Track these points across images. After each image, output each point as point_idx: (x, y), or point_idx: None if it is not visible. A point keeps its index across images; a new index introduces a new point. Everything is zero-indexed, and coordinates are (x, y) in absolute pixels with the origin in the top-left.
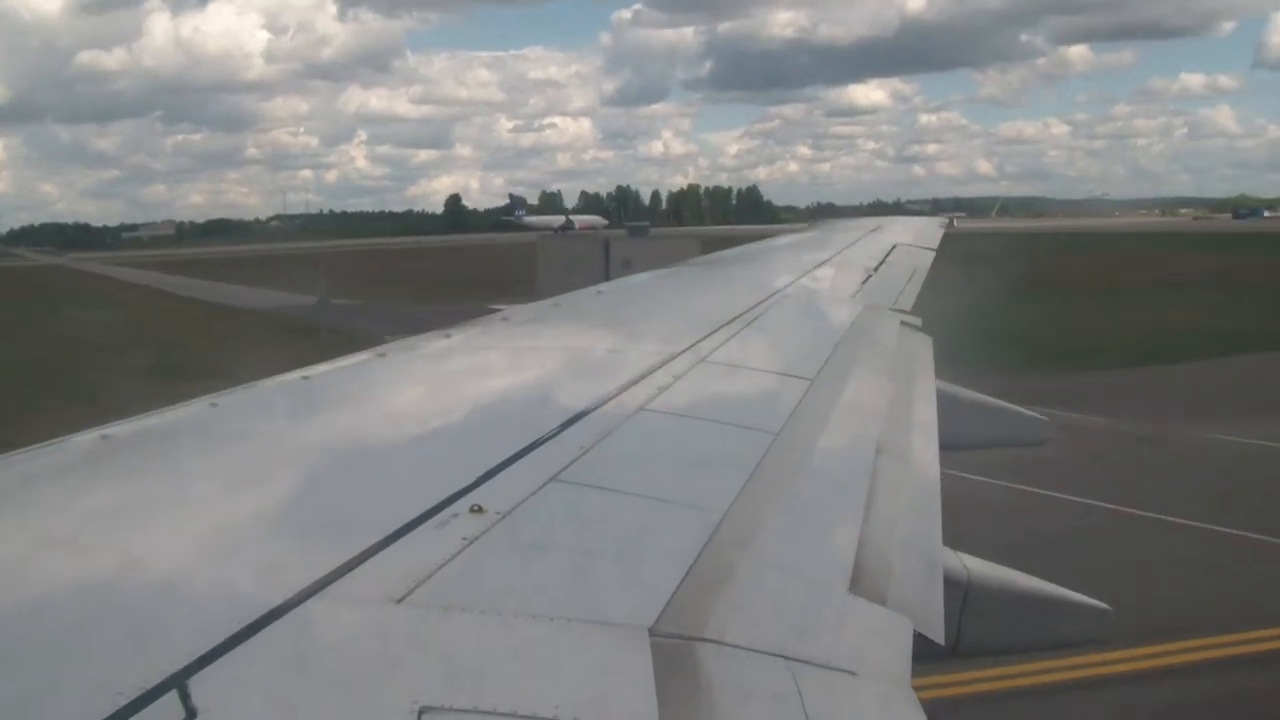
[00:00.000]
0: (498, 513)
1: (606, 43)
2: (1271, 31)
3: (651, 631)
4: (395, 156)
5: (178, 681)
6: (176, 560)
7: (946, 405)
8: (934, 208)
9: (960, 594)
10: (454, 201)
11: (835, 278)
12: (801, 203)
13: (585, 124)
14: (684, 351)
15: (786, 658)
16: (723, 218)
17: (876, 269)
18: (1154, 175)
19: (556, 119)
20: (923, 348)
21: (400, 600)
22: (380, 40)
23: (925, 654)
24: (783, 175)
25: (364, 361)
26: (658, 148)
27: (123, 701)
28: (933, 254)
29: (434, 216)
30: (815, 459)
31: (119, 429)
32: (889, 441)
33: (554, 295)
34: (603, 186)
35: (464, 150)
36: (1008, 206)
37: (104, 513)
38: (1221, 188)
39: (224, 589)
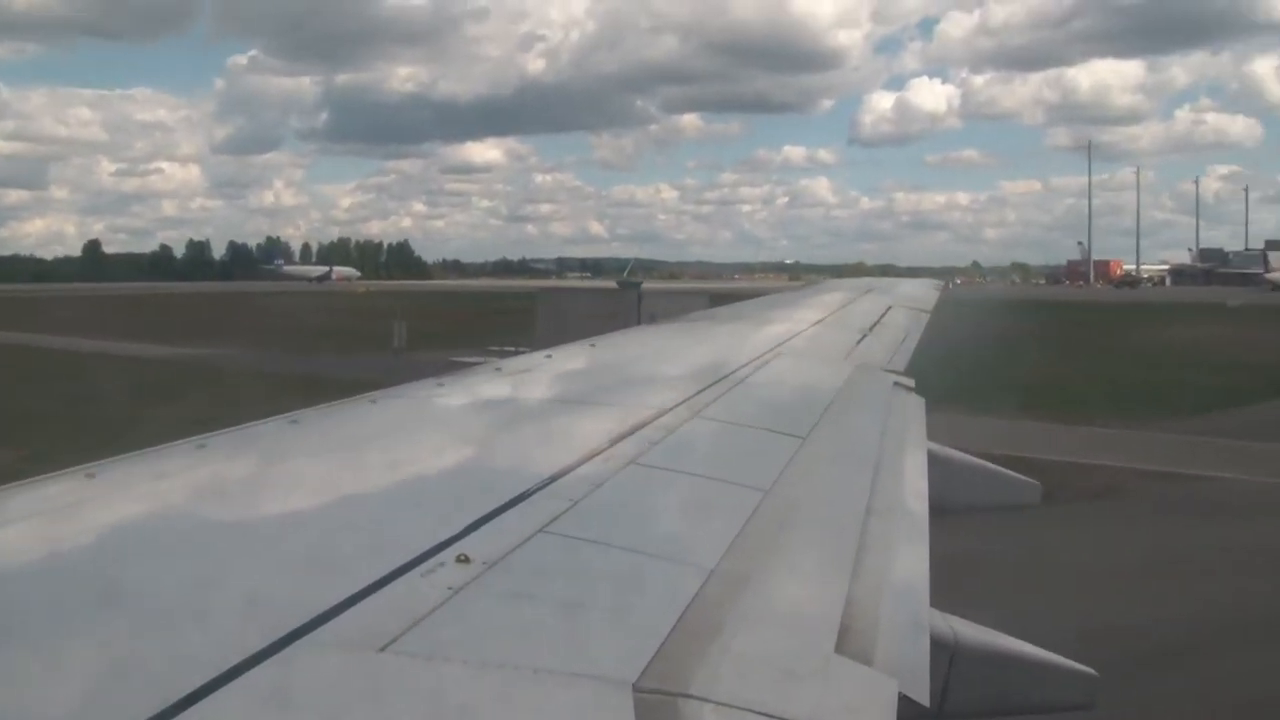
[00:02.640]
0: (484, 563)
1: (220, 88)
2: (864, 112)
3: (636, 687)
4: None
5: None
6: (155, 603)
7: (938, 467)
8: (559, 267)
9: (946, 656)
10: (94, 247)
11: (829, 337)
12: (428, 258)
13: (194, 170)
14: (676, 406)
15: (771, 716)
16: (374, 272)
17: (871, 329)
18: (758, 241)
19: (164, 164)
20: (915, 409)
21: (383, 648)
22: None
23: (910, 716)
24: (397, 230)
25: (353, 408)
26: (269, 198)
27: None
28: (927, 315)
29: (66, 261)
30: (804, 517)
31: (103, 468)
32: (878, 502)
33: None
34: (210, 235)
35: (60, 192)
36: (637, 268)
37: (85, 551)
38: (819, 254)
39: (204, 632)
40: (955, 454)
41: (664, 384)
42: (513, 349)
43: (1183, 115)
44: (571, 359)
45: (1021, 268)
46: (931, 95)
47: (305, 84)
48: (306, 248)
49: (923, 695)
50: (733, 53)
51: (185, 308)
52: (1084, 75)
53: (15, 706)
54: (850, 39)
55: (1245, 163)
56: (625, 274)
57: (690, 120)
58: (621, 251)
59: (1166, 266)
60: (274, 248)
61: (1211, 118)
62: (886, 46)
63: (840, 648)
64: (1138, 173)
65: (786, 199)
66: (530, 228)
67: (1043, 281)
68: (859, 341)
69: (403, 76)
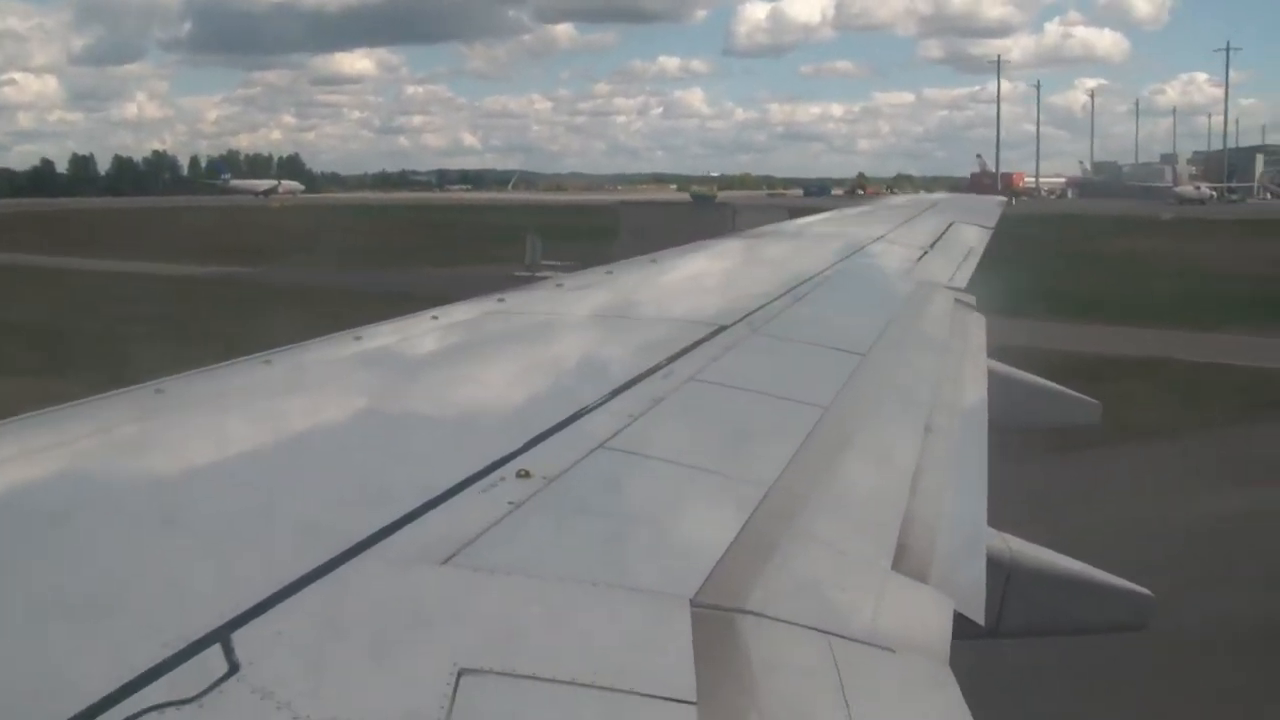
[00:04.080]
0: (544, 478)
1: None
2: (739, 21)
3: (693, 602)
4: None
5: (222, 635)
6: (224, 517)
7: (997, 385)
8: (440, 179)
9: (1003, 575)
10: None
11: (891, 254)
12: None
13: (50, 82)
14: (736, 323)
15: (826, 632)
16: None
17: (933, 245)
18: (632, 151)
19: (17, 75)
20: (975, 326)
21: (445, 561)
22: None
23: (966, 634)
24: (266, 143)
25: (416, 325)
26: (132, 110)
27: (167, 653)
28: (989, 232)
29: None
30: (863, 435)
31: (172, 383)
32: (937, 420)
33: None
34: (72, 149)
35: None
36: (520, 180)
37: (153, 466)
38: (694, 165)
39: (270, 546)
40: (1016, 373)
41: (724, 301)
42: (572, 265)
43: (1052, 28)
44: (632, 275)
45: (906, 180)
46: (806, 5)
47: None
48: (195, 161)
49: (978, 614)
50: None
51: (164, 223)
52: None
53: (94, 613)
54: None
55: (1112, 76)
56: (510, 186)
57: (564, 30)
58: (495, 163)
59: (1063, 180)
60: (218, 164)
61: (1080, 31)
62: None
63: (897, 565)
64: (1038, 86)
65: (661, 110)
66: (403, 139)
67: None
68: (920, 258)
69: None
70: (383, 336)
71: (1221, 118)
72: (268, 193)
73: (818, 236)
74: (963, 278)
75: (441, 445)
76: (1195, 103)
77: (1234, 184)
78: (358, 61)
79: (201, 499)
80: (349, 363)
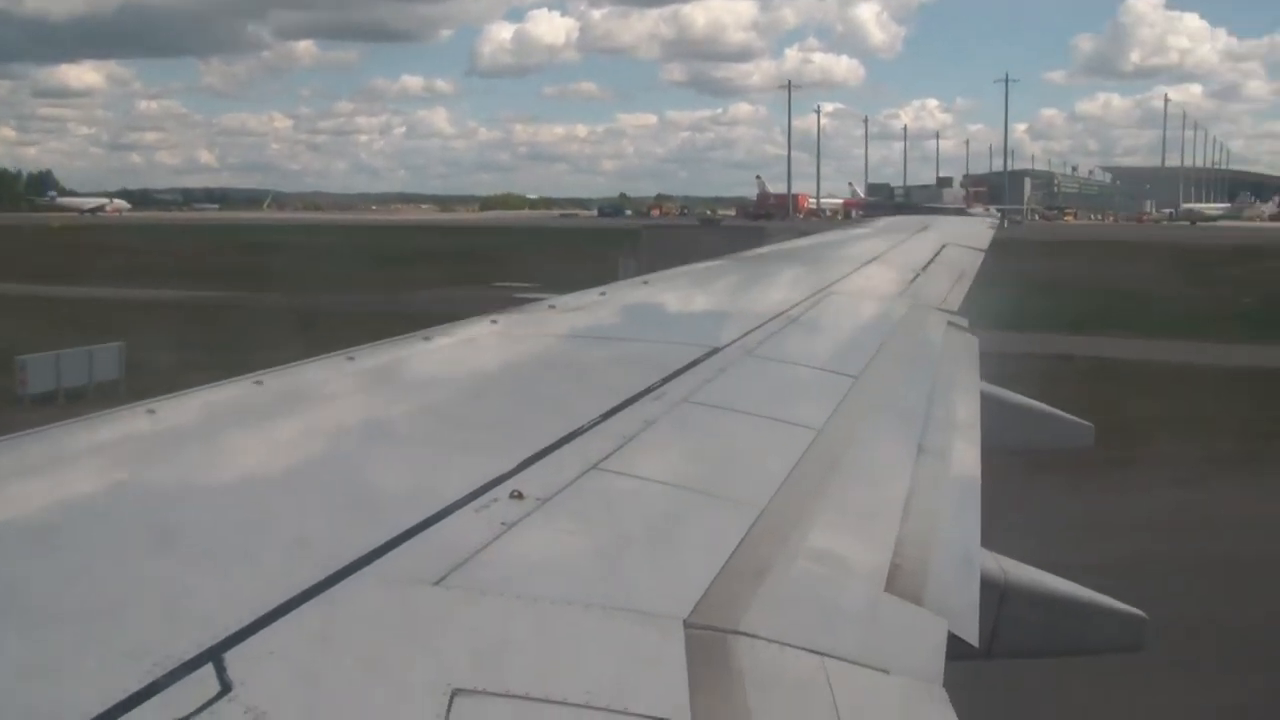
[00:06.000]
0: (537, 499)
1: None
2: (484, 42)
3: (686, 623)
4: None
5: (214, 655)
6: (218, 535)
7: (990, 407)
8: (184, 198)
9: (996, 596)
10: None
11: (881, 277)
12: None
13: None
14: (728, 345)
15: (820, 653)
16: (14, 203)
17: (924, 268)
18: (373, 171)
19: None
20: (968, 348)
21: (437, 582)
22: None
23: (959, 655)
24: None
25: (409, 345)
26: None
27: (159, 672)
28: (981, 254)
29: None
30: (855, 457)
31: (165, 404)
32: (930, 441)
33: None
34: None
35: None
36: (275, 200)
37: (146, 485)
38: (436, 184)
39: (263, 565)
40: (1008, 394)
41: (716, 323)
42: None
43: (792, 54)
44: (625, 297)
45: (665, 199)
46: (550, 28)
47: None
48: None
49: (972, 635)
50: None
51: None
52: (699, 12)
53: (86, 631)
54: None
55: (850, 101)
56: (265, 205)
57: (306, 47)
58: (234, 181)
59: (839, 201)
60: (46, 179)
61: (819, 58)
62: None
63: (890, 587)
64: (818, 111)
65: (404, 129)
66: (135, 156)
67: (733, 213)
68: (913, 280)
69: None
70: (376, 357)
71: (961, 142)
72: (94, 210)
73: (809, 260)
74: (955, 299)
75: (435, 466)
76: (927, 128)
77: (1007, 206)
78: (85, 74)
79: (195, 518)
80: (342, 383)
